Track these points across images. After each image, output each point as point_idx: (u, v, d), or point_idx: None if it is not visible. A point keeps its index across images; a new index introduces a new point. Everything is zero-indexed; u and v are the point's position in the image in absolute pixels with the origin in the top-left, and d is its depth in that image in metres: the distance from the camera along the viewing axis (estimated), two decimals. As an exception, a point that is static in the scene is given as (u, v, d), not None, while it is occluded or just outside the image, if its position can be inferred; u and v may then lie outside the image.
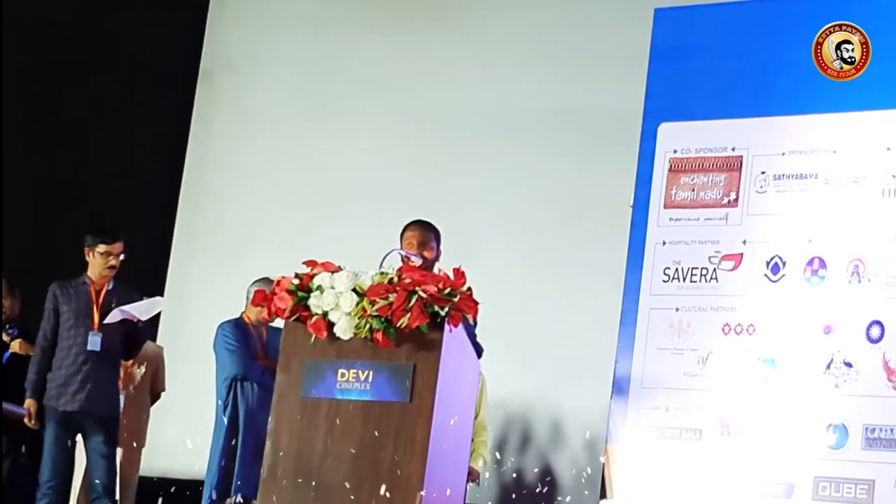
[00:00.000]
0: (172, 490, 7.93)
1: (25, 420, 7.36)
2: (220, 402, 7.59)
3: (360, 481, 5.21)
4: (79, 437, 7.47)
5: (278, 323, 6.72)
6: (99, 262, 7.44)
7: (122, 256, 7.45)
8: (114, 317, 7.32)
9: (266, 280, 7.58)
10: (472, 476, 7.56)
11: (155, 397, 8.54)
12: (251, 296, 7.58)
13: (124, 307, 7.35)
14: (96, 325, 7.38)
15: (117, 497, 7.49)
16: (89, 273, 7.47)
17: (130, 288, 7.62)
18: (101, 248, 7.45)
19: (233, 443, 7.50)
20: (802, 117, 7.08)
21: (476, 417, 7.59)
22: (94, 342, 7.35)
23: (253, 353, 7.61)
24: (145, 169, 10.18)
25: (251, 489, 7.40)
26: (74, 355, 7.35)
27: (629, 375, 7.18)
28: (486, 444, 7.68)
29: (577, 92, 9.11)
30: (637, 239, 7.35)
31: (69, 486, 7.63)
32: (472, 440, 7.51)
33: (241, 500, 7.50)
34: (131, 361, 8.11)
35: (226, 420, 7.56)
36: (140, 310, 7.42)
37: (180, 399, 8.59)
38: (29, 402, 7.34)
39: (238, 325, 7.68)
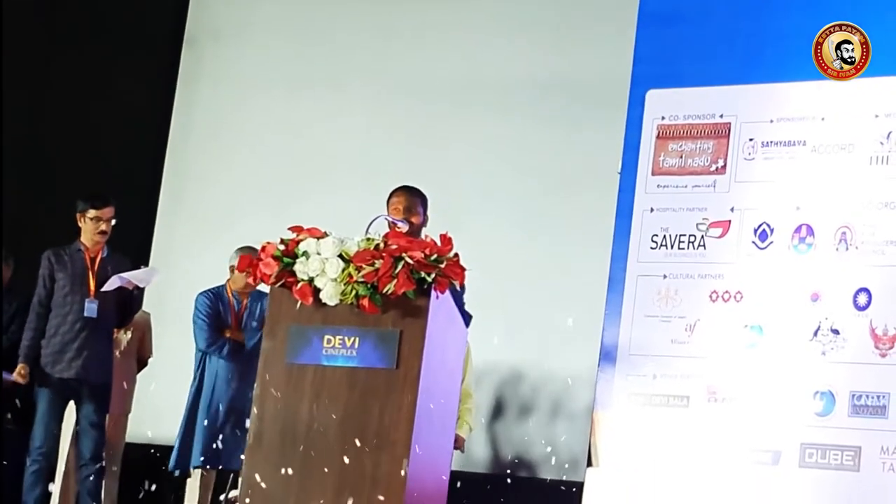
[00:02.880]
0: (158, 456, 7.91)
1: (19, 379, 7.32)
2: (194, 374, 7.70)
3: (346, 447, 5.20)
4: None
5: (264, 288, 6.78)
6: (90, 227, 7.44)
7: (113, 221, 7.43)
8: (112, 284, 7.30)
9: (249, 249, 7.61)
10: (458, 443, 7.57)
11: (142, 364, 8.52)
12: (235, 263, 7.67)
13: (123, 274, 7.34)
14: (92, 293, 7.38)
15: (104, 463, 7.49)
16: (82, 239, 7.46)
17: (123, 255, 7.62)
18: (91, 213, 7.43)
19: (195, 414, 7.58)
20: (791, 84, 7.07)
21: (461, 385, 7.60)
22: (91, 309, 7.34)
23: (223, 324, 7.68)
24: (130, 135, 10.13)
25: (211, 460, 7.48)
26: (71, 322, 7.34)
27: (616, 343, 7.18)
28: (472, 411, 7.69)
29: (564, 58, 9.08)
30: (624, 206, 7.34)
31: (58, 452, 7.62)
32: (458, 407, 7.54)
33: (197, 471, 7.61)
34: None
35: (191, 391, 7.64)
36: (138, 277, 7.41)
37: (165, 366, 8.57)
38: (21, 367, 7.32)
39: (212, 296, 7.75)
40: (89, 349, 7.33)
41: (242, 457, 7.37)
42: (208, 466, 7.61)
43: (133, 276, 7.36)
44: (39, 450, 7.28)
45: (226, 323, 7.74)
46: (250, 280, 7.44)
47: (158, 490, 7.92)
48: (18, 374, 7.31)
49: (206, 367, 7.72)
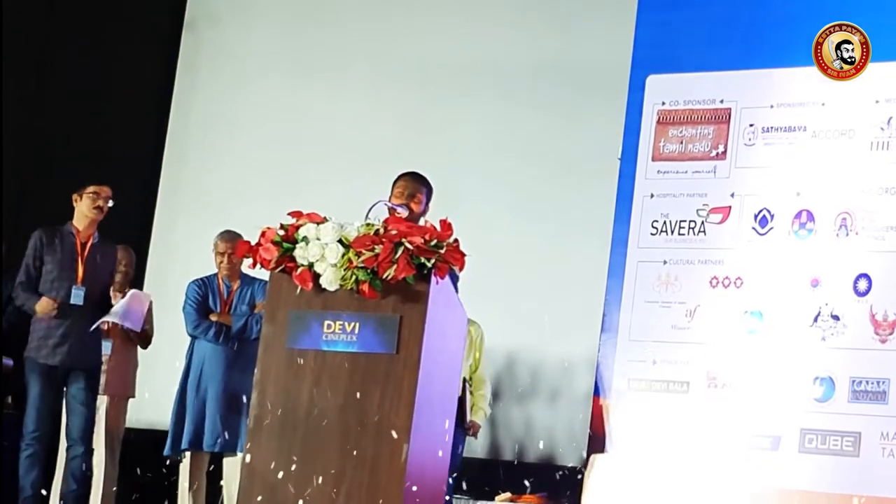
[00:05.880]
0: (158, 440, 7.91)
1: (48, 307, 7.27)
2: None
3: (346, 433, 5.20)
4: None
5: (253, 273, 6.81)
6: (86, 203, 7.33)
7: (110, 203, 7.37)
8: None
9: (230, 233, 7.64)
10: (474, 429, 7.58)
11: (146, 340, 8.37)
12: (220, 249, 7.70)
13: (108, 317, 7.32)
14: (80, 279, 7.31)
15: (93, 446, 7.46)
16: (75, 222, 7.38)
17: (113, 243, 7.59)
18: (91, 188, 7.34)
19: (184, 398, 7.60)
20: (791, 70, 7.07)
21: (475, 371, 7.61)
22: (78, 296, 7.27)
23: (210, 309, 7.69)
24: (130, 120, 10.11)
25: (197, 443, 7.51)
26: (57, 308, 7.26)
27: (617, 328, 7.20)
28: (486, 397, 7.69)
29: (564, 43, 9.06)
30: (625, 191, 7.35)
31: (56, 436, 7.60)
32: (472, 394, 7.55)
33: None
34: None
35: (181, 377, 7.66)
36: (131, 318, 7.41)
37: (165, 350, 8.56)
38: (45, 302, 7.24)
39: (201, 283, 7.78)
40: (74, 336, 7.25)
41: (228, 438, 7.51)
42: (195, 450, 7.62)
43: (117, 316, 7.37)
44: (33, 434, 7.22)
45: (214, 308, 7.75)
46: (224, 262, 7.61)
47: (158, 475, 7.92)
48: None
49: (195, 351, 7.74)
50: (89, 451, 7.36)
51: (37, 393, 7.23)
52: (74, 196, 7.38)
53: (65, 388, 7.35)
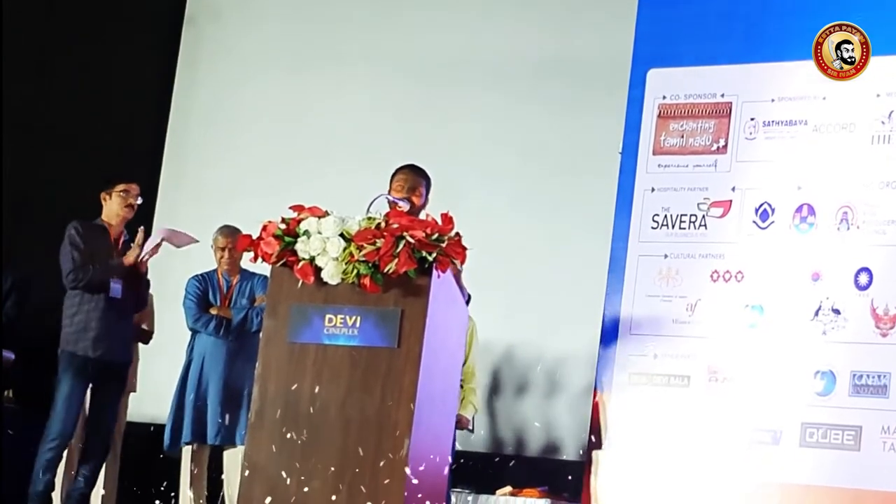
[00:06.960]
0: (157, 435, 7.91)
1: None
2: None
3: (347, 426, 5.21)
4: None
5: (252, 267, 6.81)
6: (116, 201, 7.32)
7: (139, 200, 7.38)
8: (153, 240, 7.25)
9: (229, 228, 7.65)
10: (463, 423, 7.57)
11: (147, 337, 8.38)
12: (220, 244, 7.71)
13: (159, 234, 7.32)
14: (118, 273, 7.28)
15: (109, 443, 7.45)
16: (105, 217, 7.37)
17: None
18: (121, 186, 7.34)
19: (184, 392, 7.60)
20: (792, 63, 7.07)
21: (465, 364, 7.60)
22: (116, 289, 7.22)
23: (210, 303, 7.69)
24: (130, 117, 10.11)
25: (199, 436, 7.51)
26: (95, 300, 7.21)
27: (617, 322, 7.20)
28: (476, 391, 7.67)
29: (565, 38, 9.07)
30: (626, 185, 7.35)
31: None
32: (462, 387, 7.54)
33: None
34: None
35: (182, 371, 7.66)
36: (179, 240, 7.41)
37: (166, 346, 8.57)
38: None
39: (201, 278, 7.79)
40: (114, 329, 7.21)
41: (228, 431, 7.52)
42: (196, 443, 7.62)
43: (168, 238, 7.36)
44: (59, 436, 7.10)
45: (214, 302, 7.76)
46: (224, 257, 7.61)
47: (158, 469, 7.92)
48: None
49: (196, 345, 7.74)
50: (104, 452, 7.34)
51: (68, 393, 7.10)
52: (103, 195, 7.37)
53: (94, 385, 7.28)
